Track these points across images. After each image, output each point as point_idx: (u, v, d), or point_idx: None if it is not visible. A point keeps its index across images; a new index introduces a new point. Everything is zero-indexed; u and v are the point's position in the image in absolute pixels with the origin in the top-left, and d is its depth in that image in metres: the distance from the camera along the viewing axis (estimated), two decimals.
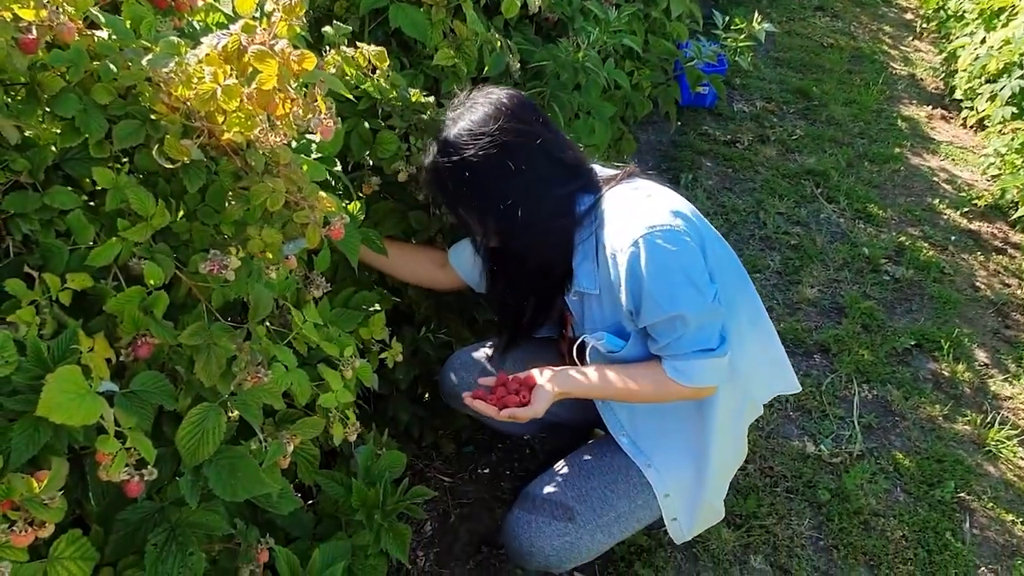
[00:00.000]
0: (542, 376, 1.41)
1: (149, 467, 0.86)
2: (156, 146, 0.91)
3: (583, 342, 1.44)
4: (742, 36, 2.26)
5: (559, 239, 1.39)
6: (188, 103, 0.89)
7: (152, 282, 0.90)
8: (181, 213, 1.03)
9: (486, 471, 2.07)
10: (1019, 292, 2.93)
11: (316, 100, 0.87)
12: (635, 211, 1.34)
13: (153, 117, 0.92)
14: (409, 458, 2.02)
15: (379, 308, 1.48)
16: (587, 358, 1.47)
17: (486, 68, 1.74)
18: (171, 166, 0.91)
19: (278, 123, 0.88)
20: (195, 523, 0.95)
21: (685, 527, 1.56)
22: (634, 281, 1.30)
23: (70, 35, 0.82)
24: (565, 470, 1.54)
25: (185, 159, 0.90)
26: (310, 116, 0.86)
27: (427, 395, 1.91)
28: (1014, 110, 3.49)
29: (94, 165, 0.92)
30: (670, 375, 1.37)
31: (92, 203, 0.99)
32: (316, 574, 1.01)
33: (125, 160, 1.01)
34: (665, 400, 1.44)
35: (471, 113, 1.36)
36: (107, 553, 0.94)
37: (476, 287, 1.64)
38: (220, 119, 0.91)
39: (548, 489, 1.50)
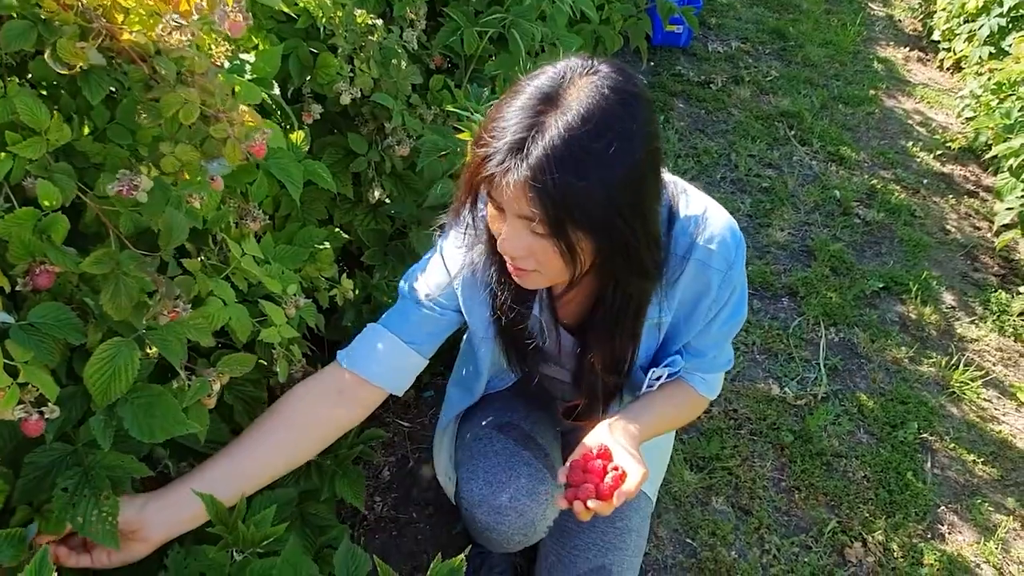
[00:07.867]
0: (613, 437, 1.10)
1: (51, 405, 0.79)
2: (49, 50, 0.81)
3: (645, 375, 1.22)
4: None
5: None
6: (82, 1, 0.79)
7: (48, 203, 0.81)
8: (88, 131, 0.94)
9: None
10: (988, 235, 2.91)
11: None
12: (716, 212, 1.10)
13: (45, 17, 0.81)
14: None
15: (327, 245, 1.40)
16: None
17: None
18: (67, 72, 0.81)
19: (184, 22, 0.78)
20: (110, 465, 0.89)
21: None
22: (728, 289, 1.11)
23: None
24: (593, 534, 1.36)
25: (82, 64, 0.80)
26: (215, 8, 0.76)
27: None
28: (991, 50, 3.42)
29: None
30: (701, 391, 1.24)
31: None
32: (247, 519, 0.95)
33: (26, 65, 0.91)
34: (690, 419, 1.34)
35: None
36: (15, 498, 0.87)
37: (400, 392, 1.22)
38: (120, 18, 0.81)
39: (589, 561, 1.35)
